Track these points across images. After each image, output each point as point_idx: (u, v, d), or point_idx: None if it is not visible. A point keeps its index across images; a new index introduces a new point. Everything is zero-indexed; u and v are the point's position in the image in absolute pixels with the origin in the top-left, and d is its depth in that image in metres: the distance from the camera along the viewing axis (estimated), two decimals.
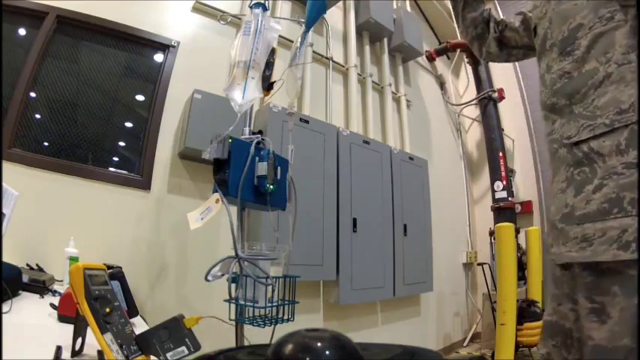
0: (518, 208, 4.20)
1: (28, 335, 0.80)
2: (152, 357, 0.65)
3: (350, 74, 3.22)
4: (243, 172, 1.06)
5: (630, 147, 0.73)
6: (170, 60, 2.22)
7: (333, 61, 3.14)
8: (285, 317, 1.05)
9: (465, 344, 4.07)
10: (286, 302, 1.06)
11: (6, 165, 1.63)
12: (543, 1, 0.98)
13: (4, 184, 0.97)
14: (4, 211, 0.99)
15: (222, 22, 1.99)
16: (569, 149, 0.83)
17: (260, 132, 1.22)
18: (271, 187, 1.11)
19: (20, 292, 1.14)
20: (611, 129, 0.76)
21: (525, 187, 4.56)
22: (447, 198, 4.14)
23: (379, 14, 3.41)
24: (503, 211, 3.65)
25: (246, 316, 1.02)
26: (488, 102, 4.06)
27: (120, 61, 2.13)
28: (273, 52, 1.23)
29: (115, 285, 0.96)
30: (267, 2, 1.24)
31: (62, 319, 0.90)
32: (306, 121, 2.48)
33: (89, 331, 0.63)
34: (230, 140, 1.06)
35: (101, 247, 1.78)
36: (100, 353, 0.61)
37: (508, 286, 2.98)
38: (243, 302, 0.99)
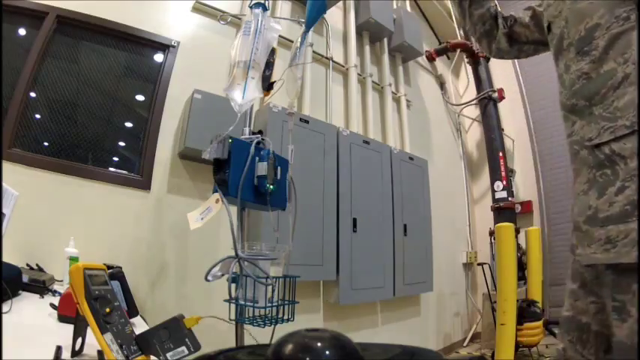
0: (518, 208, 4.20)
1: (28, 335, 0.80)
2: (152, 357, 0.65)
3: (350, 74, 3.22)
4: (243, 172, 1.06)
5: None
6: (170, 60, 2.22)
7: (333, 61, 3.14)
8: (285, 317, 1.05)
9: (465, 344, 4.07)
10: (286, 302, 1.06)
11: (6, 165, 1.63)
12: None
13: (4, 184, 0.97)
14: (4, 211, 0.99)
15: (222, 22, 1.99)
16: (591, 151, 0.83)
17: (260, 132, 1.22)
18: (271, 187, 1.11)
19: (20, 292, 1.14)
20: (632, 131, 0.76)
21: (525, 187, 4.56)
22: (447, 198, 4.14)
23: (379, 14, 3.41)
24: (503, 211, 3.65)
25: (246, 316, 1.02)
26: (488, 102, 4.06)
27: (120, 61, 2.13)
28: (273, 52, 1.23)
29: (115, 285, 0.96)
30: (267, 2, 1.24)
31: (62, 319, 0.90)
32: (306, 121, 2.48)
33: (89, 331, 0.63)
34: (230, 140, 1.06)
35: (101, 247, 1.78)
36: (100, 353, 0.61)
37: (508, 286, 2.98)
38: (243, 302, 0.99)
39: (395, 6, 3.86)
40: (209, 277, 1.01)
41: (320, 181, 2.47)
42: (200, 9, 2.41)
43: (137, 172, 2.04)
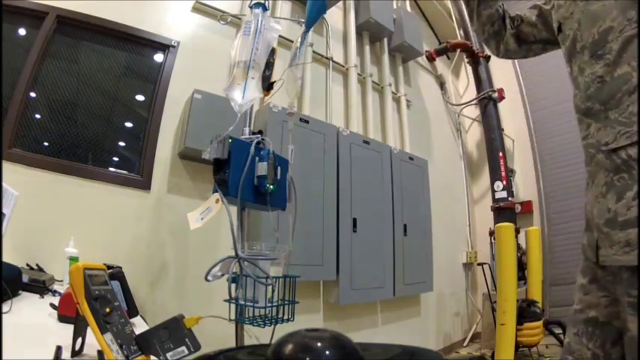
0: (518, 208, 4.20)
1: (28, 335, 0.80)
2: (152, 357, 0.65)
3: (350, 74, 3.22)
4: (243, 172, 1.06)
5: None
6: (170, 60, 2.22)
7: (333, 61, 3.14)
8: (285, 317, 1.05)
9: (465, 344, 4.07)
10: (286, 302, 1.06)
11: (6, 165, 1.63)
12: (568, 0, 0.97)
13: (4, 184, 0.97)
14: (4, 211, 0.99)
15: (222, 22, 1.99)
16: (607, 155, 0.84)
17: (260, 132, 1.22)
18: (271, 187, 1.11)
19: (20, 292, 1.13)
20: None
21: (525, 187, 4.56)
22: (447, 198, 4.14)
23: (379, 14, 3.41)
24: (503, 211, 3.64)
25: (246, 316, 1.02)
26: (488, 102, 4.05)
27: (120, 61, 2.13)
28: (273, 52, 1.23)
29: (115, 285, 0.96)
30: (267, 2, 1.24)
31: (62, 319, 0.90)
32: (306, 121, 2.48)
33: (89, 331, 0.63)
34: (230, 140, 1.06)
35: (101, 247, 1.78)
36: (100, 353, 0.61)
37: (508, 286, 2.98)
38: (243, 302, 0.99)
39: (395, 6, 3.86)
40: (209, 277, 1.01)
41: (320, 181, 2.47)
42: (200, 9, 2.41)
43: (137, 172, 2.04)
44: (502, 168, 3.75)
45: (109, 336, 0.61)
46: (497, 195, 3.72)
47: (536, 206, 4.45)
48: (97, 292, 0.64)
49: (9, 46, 1.82)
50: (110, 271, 1.01)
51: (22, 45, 1.83)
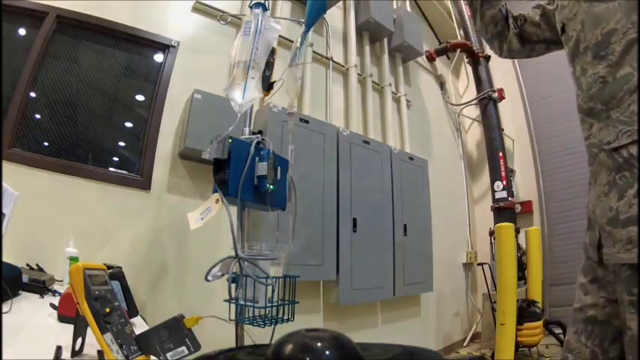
0: (518, 208, 4.20)
1: (28, 335, 0.80)
2: (152, 357, 0.65)
3: (350, 74, 3.22)
4: (243, 172, 1.06)
5: None
6: (170, 60, 2.22)
7: (333, 61, 3.14)
8: (285, 317, 1.05)
9: (465, 344, 4.07)
10: (286, 302, 1.07)
11: (6, 165, 1.63)
12: (571, 1, 0.98)
13: (4, 184, 0.97)
14: (4, 211, 0.99)
15: (222, 22, 1.99)
16: (609, 154, 0.85)
17: (260, 132, 1.22)
18: (271, 187, 1.11)
19: (20, 292, 1.14)
20: None
21: (525, 187, 4.56)
22: (447, 198, 4.14)
23: (379, 14, 3.41)
24: (503, 211, 3.65)
25: (246, 316, 1.02)
26: (488, 102, 4.06)
27: (120, 61, 2.13)
28: (273, 52, 1.23)
29: (115, 285, 0.96)
30: (267, 2, 1.24)
31: (62, 319, 0.90)
32: (306, 121, 2.48)
33: (89, 331, 0.63)
34: (230, 140, 1.06)
35: (101, 247, 1.78)
36: (100, 353, 0.61)
37: (508, 286, 2.98)
38: (243, 302, 0.99)
39: (395, 6, 3.86)
40: (209, 277, 1.01)
41: (320, 181, 2.47)
42: (200, 9, 2.41)
43: (137, 172, 2.04)
44: (502, 168, 3.75)
45: (109, 336, 0.61)
46: (497, 195, 3.72)
47: (536, 206, 4.45)
48: (97, 292, 0.64)
49: (9, 46, 1.82)
50: (110, 271, 1.01)
51: (22, 45, 1.83)
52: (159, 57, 2.23)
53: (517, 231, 3.29)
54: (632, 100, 0.81)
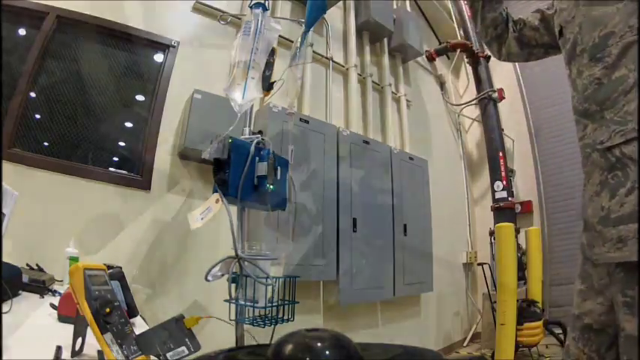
0: (518, 208, 4.21)
1: (28, 335, 0.80)
2: (152, 357, 0.65)
3: (350, 74, 3.22)
4: (243, 172, 1.06)
5: None
6: (170, 60, 2.22)
7: (333, 61, 3.13)
8: (285, 317, 1.05)
9: (465, 344, 4.07)
10: (286, 302, 1.07)
11: (6, 165, 1.63)
12: (570, 4, 0.99)
13: (4, 184, 0.97)
14: (4, 211, 0.99)
15: (222, 22, 1.99)
16: (602, 154, 0.86)
17: (260, 132, 1.22)
18: (271, 187, 1.11)
19: (20, 292, 1.13)
20: None
21: (525, 187, 4.56)
22: (447, 198, 4.14)
23: (379, 14, 3.41)
24: (503, 211, 3.65)
25: (246, 316, 1.02)
26: (488, 102, 4.06)
27: (120, 61, 2.13)
28: (273, 52, 1.23)
29: (115, 285, 0.96)
30: (267, 2, 1.24)
31: (62, 319, 0.90)
32: (306, 121, 2.48)
33: (89, 331, 0.63)
34: (230, 140, 1.06)
35: (101, 247, 1.78)
36: (100, 353, 0.61)
37: (508, 286, 2.98)
38: (243, 302, 0.99)
39: (395, 6, 3.86)
40: (209, 277, 1.01)
41: (320, 181, 2.46)
42: (200, 9, 2.41)
43: (137, 172, 2.04)
44: (502, 168, 3.75)
45: (109, 336, 0.61)
46: (497, 195, 3.72)
47: (536, 206, 4.45)
48: (97, 292, 0.64)
49: (9, 46, 1.82)
50: (110, 271, 1.01)
51: (22, 45, 1.83)
52: (159, 57, 2.23)
53: (517, 231, 3.29)
54: (626, 100, 0.82)
